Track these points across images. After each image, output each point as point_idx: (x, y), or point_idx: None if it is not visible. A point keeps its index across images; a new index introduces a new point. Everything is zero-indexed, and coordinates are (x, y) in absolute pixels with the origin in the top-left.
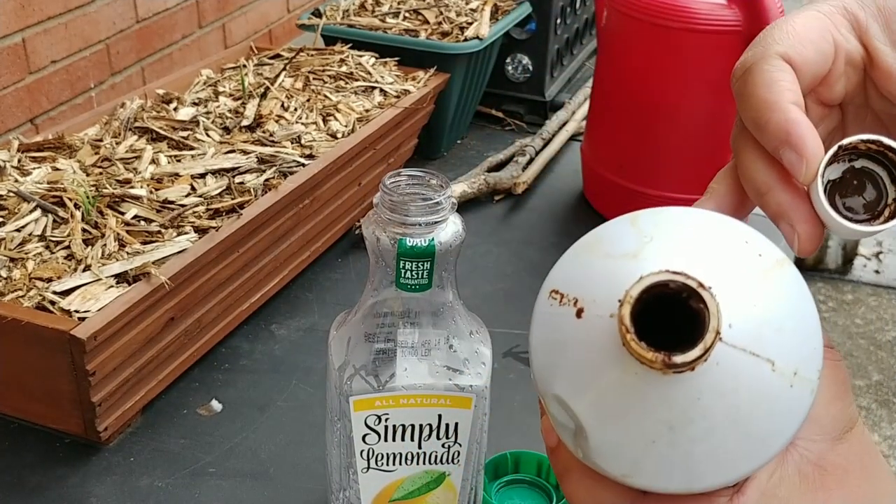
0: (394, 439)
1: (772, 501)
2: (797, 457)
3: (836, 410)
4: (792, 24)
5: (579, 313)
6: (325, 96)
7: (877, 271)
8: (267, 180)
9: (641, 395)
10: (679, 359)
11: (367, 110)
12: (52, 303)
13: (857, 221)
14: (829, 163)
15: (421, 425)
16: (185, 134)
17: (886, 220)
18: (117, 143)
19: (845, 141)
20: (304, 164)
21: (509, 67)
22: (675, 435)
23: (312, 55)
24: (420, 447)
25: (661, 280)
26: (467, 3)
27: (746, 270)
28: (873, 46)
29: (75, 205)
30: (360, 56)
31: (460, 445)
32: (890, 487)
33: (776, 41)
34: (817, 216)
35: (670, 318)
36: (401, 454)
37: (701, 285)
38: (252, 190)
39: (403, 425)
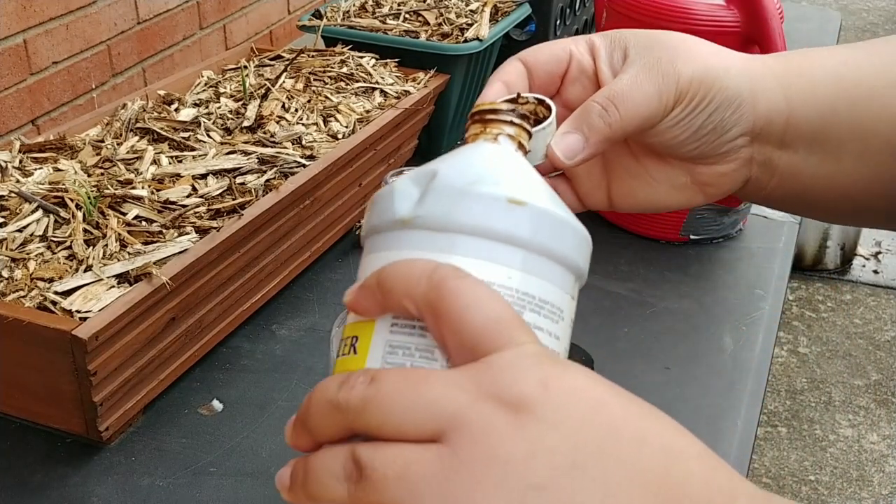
0: None
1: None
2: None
3: None
4: (543, 43)
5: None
6: (326, 97)
7: (875, 271)
8: (268, 181)
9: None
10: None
11: (367, 111)
12: (54, 303)
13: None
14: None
15: None
16: (186, 135)
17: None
18: (119, 144)
19: (510, 96)
20: (304, 165)
21: None
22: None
23: (313, 56)
24: None
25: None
26: (467, 5)
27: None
28: (598, 64)
29: (77, 205)
30: (361, 57)
31: None
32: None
33: (523, 52)
34: None
35: None
36: None
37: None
38: (253, 190)
39: None
